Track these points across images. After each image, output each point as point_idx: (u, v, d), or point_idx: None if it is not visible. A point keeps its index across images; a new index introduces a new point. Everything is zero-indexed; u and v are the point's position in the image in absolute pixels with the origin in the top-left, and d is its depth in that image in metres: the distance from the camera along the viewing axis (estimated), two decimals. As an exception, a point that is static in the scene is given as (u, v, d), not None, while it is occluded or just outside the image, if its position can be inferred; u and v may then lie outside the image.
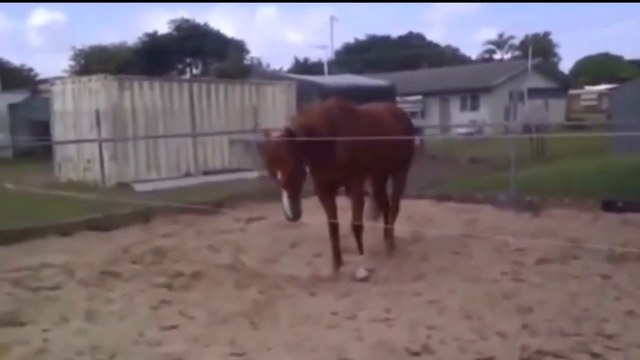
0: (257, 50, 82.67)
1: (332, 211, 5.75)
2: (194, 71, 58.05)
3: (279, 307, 4.77)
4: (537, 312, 4.43)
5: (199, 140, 14.99)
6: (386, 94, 20.30)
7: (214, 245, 6.97)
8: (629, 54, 65.25)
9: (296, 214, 5.10)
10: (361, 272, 5.47)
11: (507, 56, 60.47)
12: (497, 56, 63.36)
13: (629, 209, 7.75)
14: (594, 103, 41.37)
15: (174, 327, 4.44)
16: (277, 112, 16.33)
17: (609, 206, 7.94)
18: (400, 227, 6.73)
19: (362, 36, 66.22)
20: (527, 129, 14.05)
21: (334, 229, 5.72)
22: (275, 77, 22.54)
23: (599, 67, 55.02)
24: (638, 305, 4.47)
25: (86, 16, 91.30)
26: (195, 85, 15.56)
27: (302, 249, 6.66)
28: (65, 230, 7.93)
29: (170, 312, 4.79)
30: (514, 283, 5.21)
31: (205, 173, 14.76)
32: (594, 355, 3.64)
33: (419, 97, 31.83)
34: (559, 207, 8.19)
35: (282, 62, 73.61)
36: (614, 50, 68.14)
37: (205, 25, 58.46)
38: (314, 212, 8.77)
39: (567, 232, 6.85)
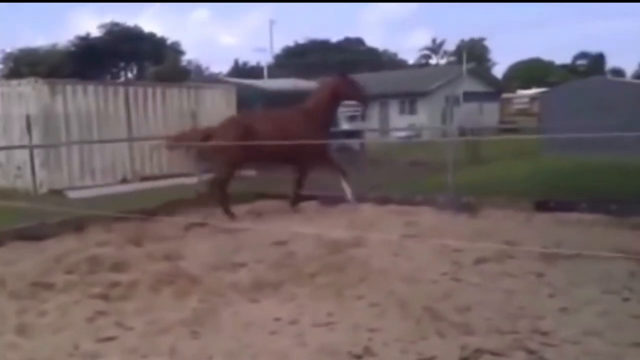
0: (193, 53, 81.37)
1: None
2: (130, 75, 56.77)
3: (220, 315, 4.69)
4: (476, 311, 4.53)
5: (136, 146, 14.65)
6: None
7: (152, 253, 6.79)
8: (559, 59, 68.05)
9: None
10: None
11: (443, 61, 62.03)
12: (433, 61, 64.95)
13: (560, 208, 8.04)
14: (526, 106, 42.88)
15: (111, 338, 4.30)
16: (217, 117, 16.12)
17: (541, 206, 8.22)
18: (342, 231, 6.76)
19: (300, 39, 66.46)
20: (463, 132, 14.41)
21: None
22: (214, 80, 22.27)
23: (531, 71, 57.16)
24: (571, 302, 4.63)
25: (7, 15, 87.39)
26: (131, 89, 15.21)
27: (244, 255, 6.58)
28: (-6, 241, 7.56)
29: (106, 323, 4.63)
30: (452, 283, 5.31)
31: (143, 179, 14.44)
32: (530, 352, 3.74)
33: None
34: (494, 207, 8.41)
35: (219, 66, 73.04)
36: (545, 56, 70.92)
37: (137, 27, 57.25)
38: (256, 219, 8.73)
39: (503, 232, 7.04)
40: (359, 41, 67.89)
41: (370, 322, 4.38)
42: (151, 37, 57.97)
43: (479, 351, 3.77)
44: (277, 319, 4.53)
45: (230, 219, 8.70)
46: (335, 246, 6.62)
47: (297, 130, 8.93)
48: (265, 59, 47.76)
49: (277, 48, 63.53)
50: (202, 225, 8.12)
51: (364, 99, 10.52)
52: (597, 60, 65.93)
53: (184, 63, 61.13)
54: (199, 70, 60.97)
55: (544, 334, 4.02)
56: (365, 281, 5.41)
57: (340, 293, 5.08)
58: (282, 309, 4.76)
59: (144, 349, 4.07)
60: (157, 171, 15.03)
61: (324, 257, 6.27)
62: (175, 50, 60.12)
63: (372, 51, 66.87)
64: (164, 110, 15.45)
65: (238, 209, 9.30)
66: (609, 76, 47.18)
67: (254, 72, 45.52)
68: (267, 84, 23.02)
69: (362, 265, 5.93)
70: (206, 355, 3.93)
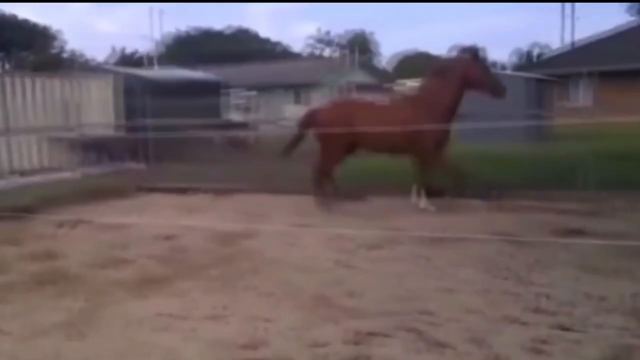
0: (76, 42, 77.36)
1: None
2: (7, 65, 52.92)
3: (107, 314, 4.49)
4: (366, 295, 4.65)
5: (13, 139, 13.67)
6: (213, 88, 20.10)
7: (30, 253, 6.37)
8: (442, 52, 71.22)
9: None
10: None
11: (335, 54, 62.89)
12: (326, 52, 65.76)
13: (448, 194, 8.39)
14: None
15: (-16, 345, 3.99)
16: (101, 108, 15.43)
17: (431, 192, 8.54)
18: (234, 223, 6.70)
19: (189, 28, 64.86)
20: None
21: None
22: (98, 70, 21.22)
23: (419, 64, 59.25)
24: (455, 283, 4.86)
25: None
26: (7, 79, 14.16)
27: (131, 251, 6.34)
28: None
29: (-20, 329, 4.29)
30: (344, 270, 5.42)
31: (21, 174, 13.52)
32: (418, 332, 3.89)
33: (252, 93, 31.88)
34: (388, 195, 8.67)
35: (102, 55, 69.61)
36: (433, 49, 73.92)
37: (13, 16, 53.45)
38: (143, 213, 8.44)
39: (394, 219, 7.29)
40: (251, 31, 67.41)
41: (265, 312, 4.37)
42: (29, 26, 54.30)
43: (370, 334, 3.87)
44: (168, 315, 4.41)
45: (324, 211, 8.05)
46: (227, 238, 6.56)
47: (406, 121, 7.70)
48: (150, 48, 46.29)
49: (167, 37, 61.65)
50: (84, 221, 7.73)
51: (498, 90, 7.94)
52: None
53: (66, 52, 57.88)
54: (82, 59, 57.96)
55: (430, 314, 4.20)
56: (258, 272, 5.40)
57: (233, 285, 5.04)
58: (173, 305, 4.63)
59: (24, 355, 3.81)
60: (37, 165, 14.12)
61: (215, 250, 6.19)
62: (56, 39, 56.78)
63: (264, 42, 66.67)
64: (44, 101, 14.52)
65: (122, 204, 8.96)
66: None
67: (142, 61, 43.88)
68: (156, 73, 22.26)
69: (254, 257, 5.92)
70: (94, 356, 3.75)
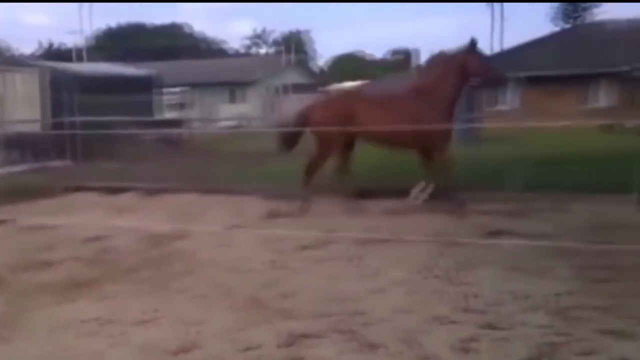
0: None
1: None
2: None
3: (32, 318, 4.31)
4: (300, 296, 4.65)
5: None
6: (145, 84, 19.66)
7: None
8: (380, 54, 72.35)
9: None
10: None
11: (271, 50, 62.67)
12: (263, 50, 65.46)
13: (379, 196, 8.50)
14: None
15: None
16: (27, 103, 14.79)
17: (362, 194, 8.62)
18: (166, 223, 6.57)
19: (121, 22, 63.03)
20: (287, 123, 14.62)
21: None
22: (24, 64, 20.32)
23: (354, 65, 59.83)
24: (387, 284, 4.93)
25: None
26: None
27: (56, 253, 6.10)
28: None
29: None
30: (278, 270, 5.40)
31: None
32: (351, 332, 3.92)
33: (184, 89, 31.29)
34: (321, 195, 8.68)
35: (29, 48, 66.43)
36: (371, 50, 74.92)
37: None
38: (70, 213, 8.14)
39: (328, 219, 7.32)
40: (185, 28, 66.18)
41: (197, 314, 4.30)
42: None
43: (304, 335, 3.87)
44: (96, 319, 4.27)
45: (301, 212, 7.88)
46: (158, 239, 6.43)
47: (411, 114, 7.72)
48: (80, 42, 44.69)
49: (98, 32, 59.63)
50: (6, 222, 7.39)
51: (498, 80, 8.90)
52: (412, 55, 71.10)
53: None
54: (8, 53, 55.26)
55: (363, 314, 4.24)
56: (190, 274, 5.31)
57: (165, 287, 4.94)
58: (101, 308, 4.50)
59: (-64, 363, 3.61)
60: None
61: (145, 251, 6.06)
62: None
63: (199, 38, 65.62)
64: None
65: (47, 204, 8.62)
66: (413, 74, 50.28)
67: (71, 56, 42.28)
68: (84, 67, 21.52)
69: (187, 258, 5.82)
70: (16, 363, 3.60)
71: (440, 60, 8.47)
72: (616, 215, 7.09)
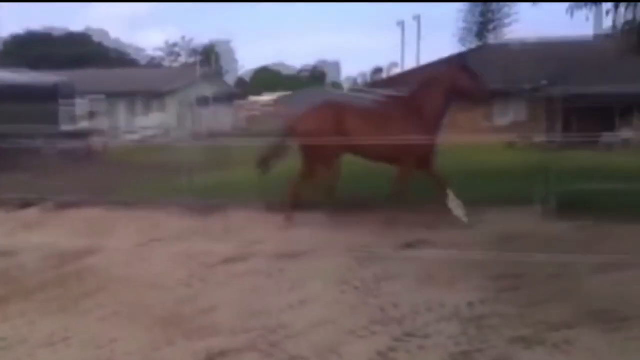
0: None
1: None
2: None
3: None
4: (221, 312, 4.59)
5: None
6: (50, 93, 18.75)
7: None
8: (300, 66, 73.10)
9: None
10: None
11: (190, 60, 61.61)
12: (181, 60, 64.22)
13: (296, 209, 8.49)
14: (257, 113, 44.69)
15: None
16: None
17: (278, 207, 8.59)
18: (77, 238, 6.31)
19: (23, 29, 59.95)
20: (203, 135, 14.46)
21: None
22: None
23: (273, 78, 60.03)
24: (307, 296, 4.95)
25: None
26: None
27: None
28: None
29: None
30: (198, 285, 5.30)
31: None
32: (272, 346, 3.91)
33: (97, 97, 29.96)
34: (237, 209, 8.58)
35: None
36: (290, 62, 75.43)
37: None
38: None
39: (247, 233, 7.24)
40: (96, 36, 63.84)
41: (110, 333, 4.16)
42: None
43: (222, 353, 3.82)
44: (2, 340, 4.04)
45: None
46: (69, 255, 6.15)
47: (397, 128, 7.50)
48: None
49: (6, 37, 56.48)
50: None
51: (486, 97, 8.56)
52: (333, 68, 72.51)
53: None
54: None
55: (282, 328, 4.24)
56: (103, 291, 5.12)
57: (75, 306, 4.74)
58: (8, 328, 4.25)
59: None
60: None
61: (55, 268, 5.78)
62: None
63: (109, 47, 63.50)
64: None
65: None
66: (329, 87, 50.54)
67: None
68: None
69: (99, 275, 5.61)
70: None
71: (430, 75, 8.43)
72: (521, 226, 7.43)
